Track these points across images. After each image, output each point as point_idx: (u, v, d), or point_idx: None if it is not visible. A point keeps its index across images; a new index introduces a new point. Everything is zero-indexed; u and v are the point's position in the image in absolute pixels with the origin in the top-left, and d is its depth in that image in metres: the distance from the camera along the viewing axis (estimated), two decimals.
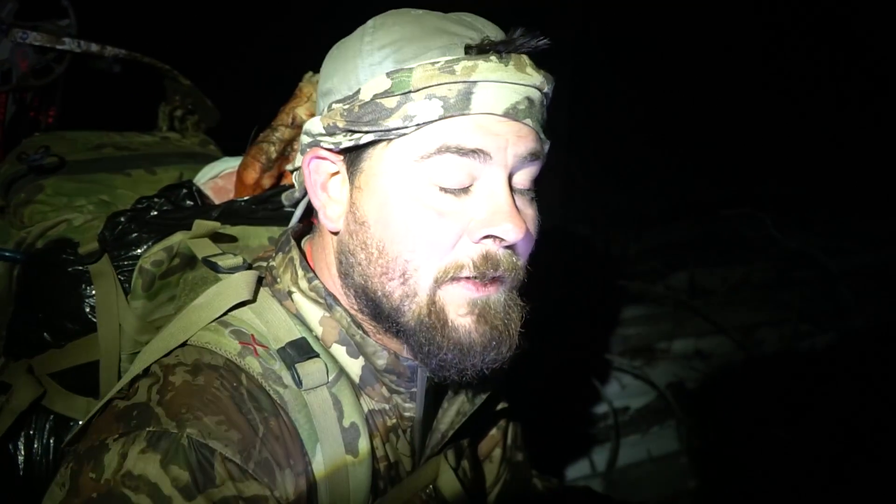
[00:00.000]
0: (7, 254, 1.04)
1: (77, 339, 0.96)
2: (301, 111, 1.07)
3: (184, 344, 0.76)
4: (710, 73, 2.97)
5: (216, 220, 0.96)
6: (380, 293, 0.75)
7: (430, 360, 0.75)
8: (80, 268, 0.97)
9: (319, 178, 0.80)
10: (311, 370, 0.76)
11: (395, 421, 0.84)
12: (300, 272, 0.82)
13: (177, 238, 0.93)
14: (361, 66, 0.74)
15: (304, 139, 0.79)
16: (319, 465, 0.75)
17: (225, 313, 0.78)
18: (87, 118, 1.38)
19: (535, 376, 2.06)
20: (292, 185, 0.98)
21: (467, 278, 0.73)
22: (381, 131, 0.73)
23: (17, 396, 0.94)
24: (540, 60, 0.77)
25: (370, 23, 0.77)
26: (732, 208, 2.55)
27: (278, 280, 0.84)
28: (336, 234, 0.80)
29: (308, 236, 0.90)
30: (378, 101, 0.72)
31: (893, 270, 2.32)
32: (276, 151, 1.08)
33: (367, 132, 0.73)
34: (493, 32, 0.76)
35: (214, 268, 0.85)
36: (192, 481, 0.65)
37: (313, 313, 0.81)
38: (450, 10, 0.80)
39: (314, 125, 0.77)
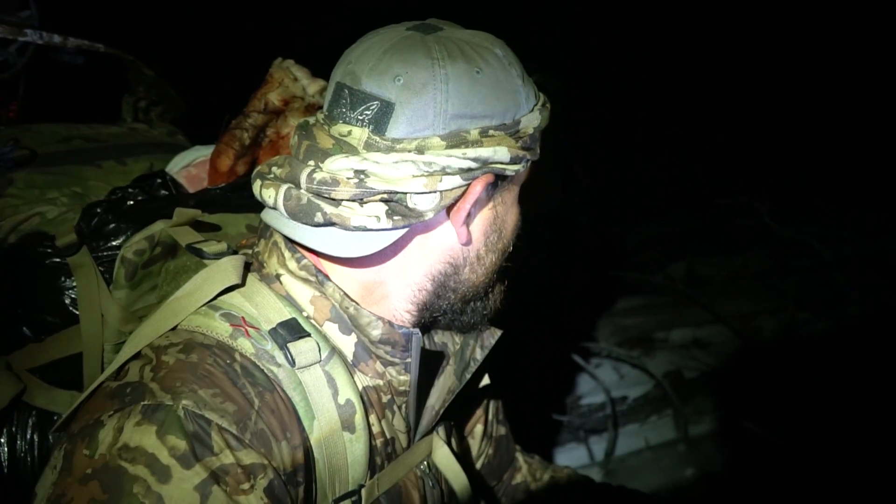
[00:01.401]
0: None
1: (58, 333, 0.96)
2: (273, 97, 1.07)
3: (174, 329, 0.76)
4: (707, 63, 2.96)
5: (195, 208, 0.96)
6: (480, 282, 0.87)
7: (458, 320, 0.89)
8: (58, 260, 0.96)
9: (471, 200, 0.81)
10: (303, 349, 0.77)
11: (389, 397, 0.85)
12: (287, 254, 0.82)
13: (157, 227, 0.92)
14: (518, 98, 0.81)
15: (472, 164, 0.77)
16: (317, 441, 0.76)
17: (214, 297, 0.79)
18: (49, 111, 1.33)
19: (533, 366, 2.07)
20: None
21: None
22: (532, 160, 0.83)
23: None
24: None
25: (497, 51, 0.83)
26: (729, 198, 2.54)
27: (265, 265, 0.84)
28: (465, 245, 0.85)
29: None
30: (536, 134, 0.82)
31: (890, 258, 2.32)
32: (250, 138, 1.08)
33: (530, 161, 0.83)
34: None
35: (199, 254, 0.85)
36: (189, 450, 0.65)
37: (303, 293, 0.82)
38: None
39: (498, 154, 0.79)
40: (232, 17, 2.55)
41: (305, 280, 0.82)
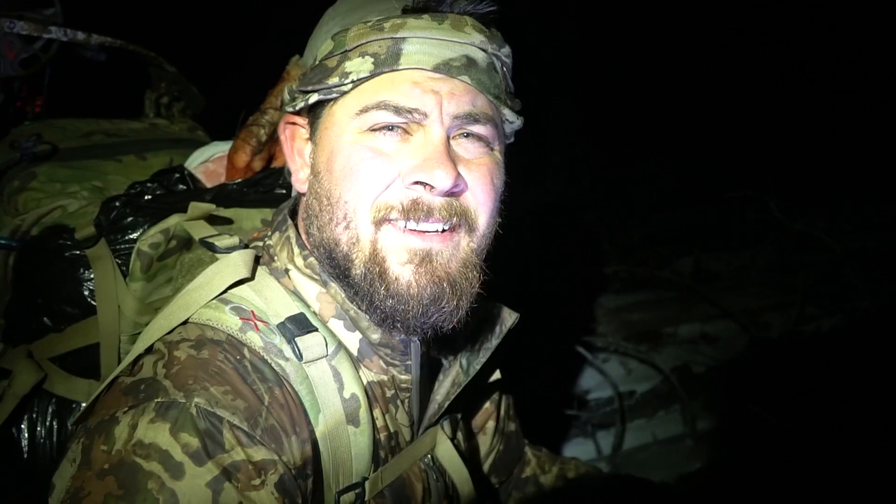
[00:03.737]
0: (1, 241, 1.05)
1: (76, 323, 0.98)
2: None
3: (185, 322, 0.77)
4: (714, 57, 2.94)
5: (210, 203, 0.97)
6: (332, 242, 0.78)
7: (375, 312, 0.78)
8: (78, 252, 0.98)
9: (295, 145, 0.84)
10: (310, 343, 0.78)
11: (393, 392, 0.86)
12: (296, 250, 0.84)
13: (173, 221, 0.94)
14: (319, 35, 0.82)
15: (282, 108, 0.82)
16: (323, 435, 0.77)
17: (224, 291, 0.80)
18: (73, 107, 1.37)
19: (540, 361, 2.07)
20: (283, 168, 1.00)
21: (401, 223, 0.76)
22: (323, 89, 0.77)
23: (19, 381, 0.96)
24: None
25: None
26: (737, 192, 2.53)
27: (275, 258, 0.86)
28: (303, 195, 0.83)
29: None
30: (324, 62, 0.78)
31: None
32: (266, 134, 1.10)
33: (312, 91, 0.78)
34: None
35: (212, 248, 0.87)
36: (202, 447, 0.66)
37: (310, 289, 0.83)
38: None
39: (284, 94, 0.81)
40: (249, 18, 2.58)
41: (311, 277, 0.83)
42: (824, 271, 2.30)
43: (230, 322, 0.77)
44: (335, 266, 0.79)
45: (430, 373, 0.90)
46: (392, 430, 0.86)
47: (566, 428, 2.11)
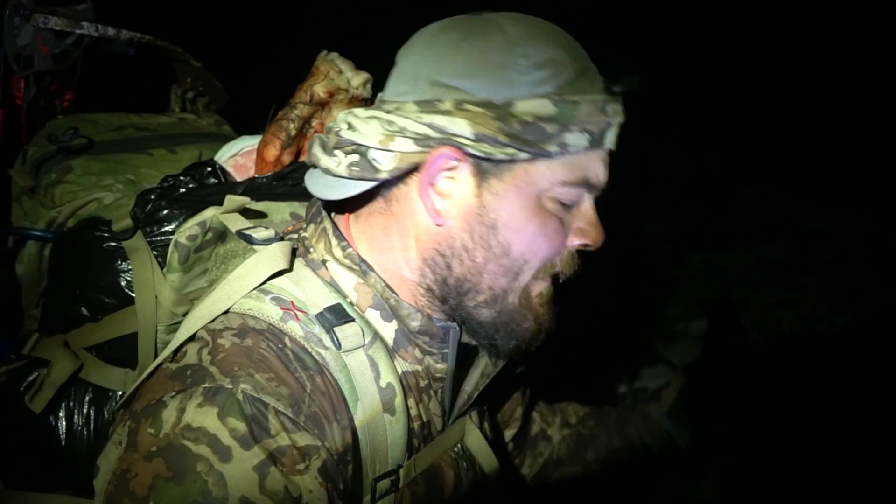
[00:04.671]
0: (37, 233, 1.08)
1: (113, 313, 1.01)
2: (318, 88, 1.10)
3: (226, 311, 0.80)
4: (726, 48, 2.93)
5: (243, 196, 0.99)
6: (483, 286, 0.83)
7: (501, 344, 0.86)
8: (115, 244, 1.01)
9: (433, 172, 0.82)
10: (348, 333, 0.80)
11: (426, 382, 0.89)
12: (333, 241, 0.86)
13: (209, 213, 0.96)
14: (518, 82, 0.78)
15: (429, 132, 0.78)
16: (361, 423, 0.79)
17: (264, 282, 0.82)
18: (100, 101, 1.41)
19: (550, 359, 2.06)
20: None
21: (546, 276, 0.86)
22: (539, 153, 0.79)
23: (57, 370, 0.98)
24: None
25: (511, 30, 0.80)
26: (750, 187, 2.53)
27: (311, 250, 0.88)
28: (440, 226, 0.84)
29: (350, 211, 0.92)
30: (540, 124, 0.77)
31: None
32: (296, 128, 1.11)
33: (525, 151, 0.78)
34: (586, 57, 0.86)
35: (249, 240, 0.88)
36: (248, 432, 0.68)
37: (347, 280, 0.86)
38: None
39: (457, 126, 0.77)
40: (273, 14, 2.58)
41: (349, 268, 0.85)
42: (837, 268, 2.30)
43: (271, 312, 0.79)
44: (454, 297, 0.84)
45: (460, 363, 0.93)
46: (425, 420, 0.89)
47: None
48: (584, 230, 0.86)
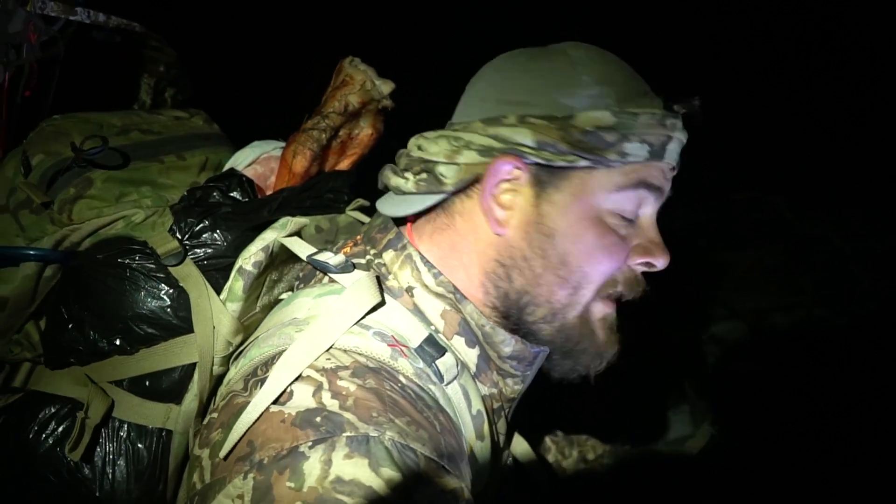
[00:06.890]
0: (32, 252, 0.96)
1: (156, 344, 0.93)
2: (353, 98, 1.05)
3: (329, 349, 0.77)
4: (721, 49, 2.93)
5: (276, 212, 0.96)
6: (542, 298, 0.84)
7: (556, 361, 0.89)
8: (155, 268, 0.94)
9: (495, 181, 0.84)
10: (448, 365, 0.81)
11: (500, 403, 0.91)
12: (423, 269, 0.85)
13: (270, 237, 0.92)
14: (579, 95, 0.82)
15: (493, 143, 0.81)
16: (470, 455, 0.82)
17: (363, 316, 0.80)
18: (73, 93, 1.34)
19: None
20: (333, 172, 1.01)
21: (608, 296, 0.88)
22: (598, 161, 0.82)
23: (94, 410, 0.90)
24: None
25: (575, 54, 0.84)
26: (743, 192, 2.53)
27: (390, 277, 0.86)
28: (500, 236, 0.85)
29: (414, 232, 0.91)
30: (600, 133, 0.81)
31: None
32: (327, 139, 1.07)
33: (584, 158, 0.81)
34: (643, 81, 0.90)
35: (325, 268, 0.85)
36: (403, 482, 0.66)
37: (435, 307, 0.85)
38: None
39: (520, 135, 0.79)
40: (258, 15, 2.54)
41: (440, 296, 0.85)
42: (834, 272, 2.30)
43: (379, 349, 0.77)
44: (515, 312, 0.85)
45: None
46: (497, 440, 0.91)
47: (572, 430, 2.08)
48: (647, 248, 0.88)
